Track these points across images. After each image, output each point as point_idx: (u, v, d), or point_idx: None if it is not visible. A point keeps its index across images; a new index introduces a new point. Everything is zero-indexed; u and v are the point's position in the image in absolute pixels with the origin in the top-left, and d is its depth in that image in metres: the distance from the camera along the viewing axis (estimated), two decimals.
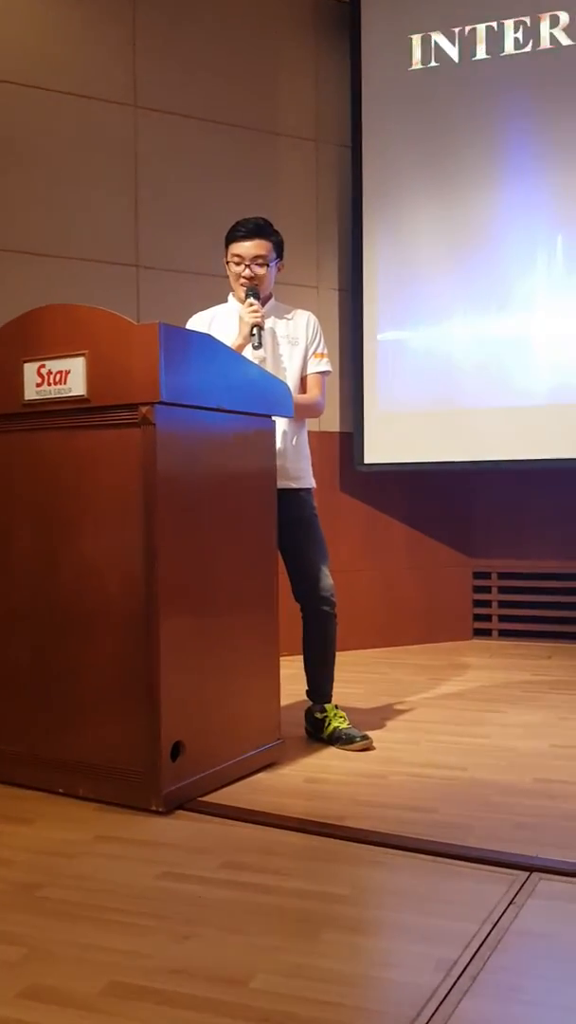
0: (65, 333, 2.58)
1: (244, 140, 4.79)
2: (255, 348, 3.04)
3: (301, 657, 3.27)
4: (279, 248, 3.22)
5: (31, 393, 2.64)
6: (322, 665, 3.27)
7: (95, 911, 1.89)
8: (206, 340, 2.69)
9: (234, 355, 2.83)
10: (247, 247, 3.15)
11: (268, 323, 3.20)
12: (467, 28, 4.83)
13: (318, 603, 3.21)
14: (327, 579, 3.21)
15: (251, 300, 3.09)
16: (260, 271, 3.15)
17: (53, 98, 4.34)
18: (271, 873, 2.09)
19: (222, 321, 3.19)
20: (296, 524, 3.14)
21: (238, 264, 3.16)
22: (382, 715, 3.56)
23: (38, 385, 2.62)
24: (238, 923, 1.84)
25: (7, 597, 2.73)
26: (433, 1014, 1.50)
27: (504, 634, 5.35)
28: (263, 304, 3.18)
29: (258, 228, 3.16)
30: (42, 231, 4.31)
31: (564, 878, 2.04)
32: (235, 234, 3.17)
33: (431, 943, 1.75)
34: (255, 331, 3.05)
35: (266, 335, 3.15)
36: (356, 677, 4.24)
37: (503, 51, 4.78)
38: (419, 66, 4.91)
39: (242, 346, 3.04)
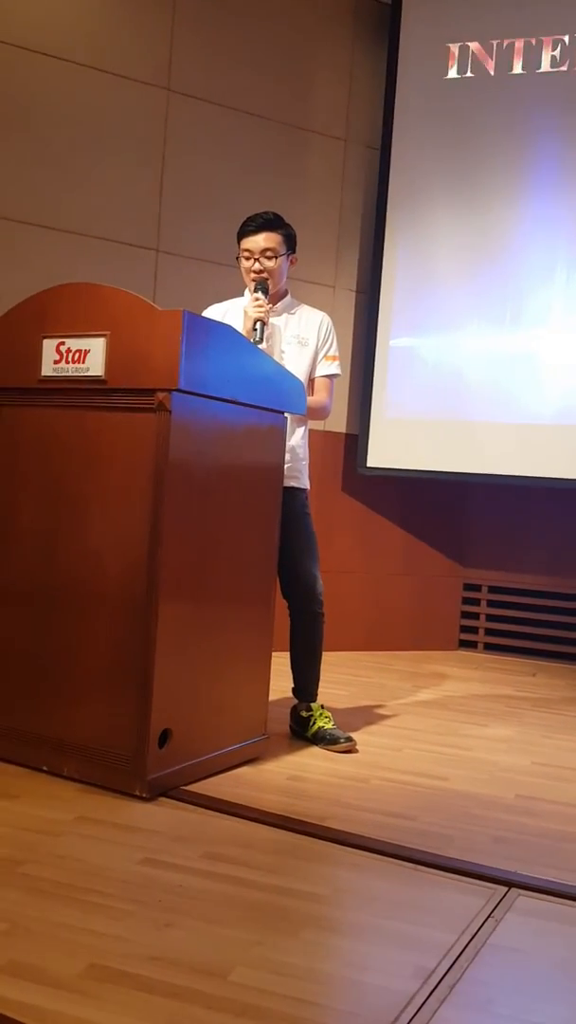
0: (87, 312, 2.57)
1: (273, 133, 4.78)
2: (256, 343, 3.04)
3: (287, 654, 3.28)
4: (290, 241, 3.21)
5: (48, 370, 2.63)
6: (309, 664, 3.27)
7: (76, 892, 1.89)
8: (226, 331, 2.68)
9: (252, 348, 2.83)
10: (256, 241, 3.15)
11: (279, 320, 3.20)
12: (505, 42, 4.83)
13: (308, 603, 3.21)
14: (317, 580, 3.21)
15: (257, 295, 3.10)
16: (269, 264, 3.15)
17: (87, 74, 4.32)
18: (251, 867, 2.09)
19: (235, 314, 3.19)
20: (289, 522, 3.13)
21: (248, 259, 3.17)
22: (366, 718, 3.58)
23: (56, 362, 2.61)
24: (218, 915, 1.84)
25: (6, 573, 2.72)
26: (411, 1020, 1.51)
27: (490, 648, 5.37)
28: (277, 300, 3.19)
29: (267, 222, 3.17)
30: (64, 207, 4.29)
31: (542, 896, 2.06)
32: (245, 229, 3.18)
33: (409, 950, 1.76)
34: (257, 326, 3.05)
35: (270, 332, 3.14)
36: (342, 679, 4.25)
37: (539, 68, 4.78)
38: (455, 75, 4.91)
39: None
